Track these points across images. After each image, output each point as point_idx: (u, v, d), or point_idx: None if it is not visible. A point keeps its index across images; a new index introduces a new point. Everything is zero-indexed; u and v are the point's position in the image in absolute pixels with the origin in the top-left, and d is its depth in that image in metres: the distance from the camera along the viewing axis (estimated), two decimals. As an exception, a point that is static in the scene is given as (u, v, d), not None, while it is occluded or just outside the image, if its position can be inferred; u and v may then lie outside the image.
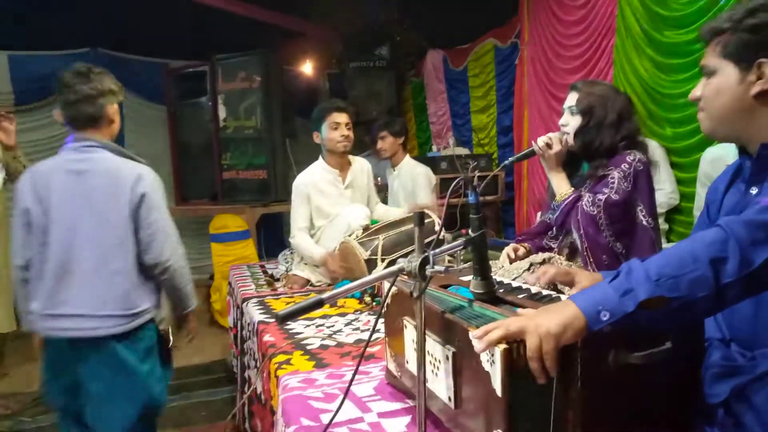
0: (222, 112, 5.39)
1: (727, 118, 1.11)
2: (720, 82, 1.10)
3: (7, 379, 3.88)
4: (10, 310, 3.61)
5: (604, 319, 0.87)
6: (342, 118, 2.79)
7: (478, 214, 1.18)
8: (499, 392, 0.89)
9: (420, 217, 1.11)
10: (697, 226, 1.33)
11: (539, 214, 2.24)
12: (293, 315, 0.96)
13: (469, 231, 1.19)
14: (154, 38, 5.66)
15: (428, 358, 1.12)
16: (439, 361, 1.08)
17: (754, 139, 1.09)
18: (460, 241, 1.19)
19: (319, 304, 0.99)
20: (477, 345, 0.91)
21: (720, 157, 2.76)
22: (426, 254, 1.05)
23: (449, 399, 1.05)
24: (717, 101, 1.11)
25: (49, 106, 5.84)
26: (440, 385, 1.08)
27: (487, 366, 0.92)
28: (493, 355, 0.90)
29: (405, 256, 1.09)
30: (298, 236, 2.79)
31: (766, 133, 1.07)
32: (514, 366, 0.89)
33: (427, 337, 1.12)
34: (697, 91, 1.16)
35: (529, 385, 0.89)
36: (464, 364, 1.00)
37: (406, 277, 1.08)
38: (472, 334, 0.93)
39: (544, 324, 0.88)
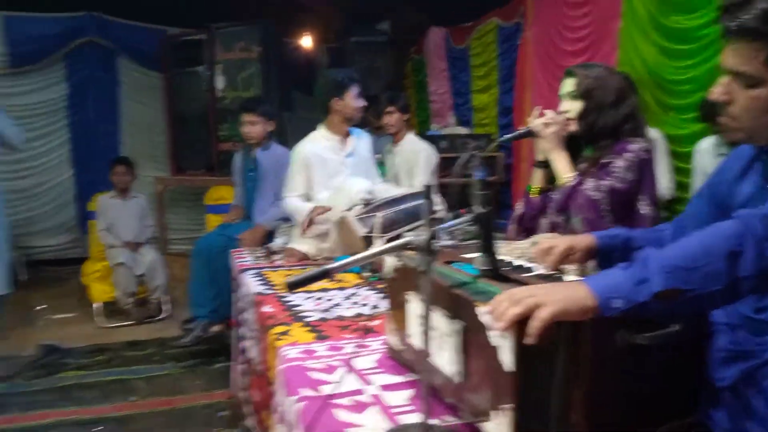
0: (219, 83, 5.32)
1: None
2: None
3: (4, 342, 3.87)
4: (5, 273, 3.59)
5: (616, 305, 0.87)
6: None
7: (486, 190, 1.17)
8: (507, 367, 0.89)
9: (427, 191, 1.10)
10: (694, 201, 1.32)
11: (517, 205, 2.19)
12: (302, 283, 0.96)
13: (469, 210, 1.18)
14: (152, 4, 5.56)
15: (434, 333, 1.12)
16: (446, 336, 1.08)
17: None
18: (467, 216, 1.18)
19: (326, 273, 0.99)
20: (491, 322, 0.90)
21: (710, 148, 2.77)
22: (434, 228, 1.04)
23: (455, 373, 1.05)
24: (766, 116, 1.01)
25: (42, 69, 5.74)
26: (446, 359, 1.08)
27: (495, 341, 0.92)
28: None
29: (398, 237, 1.08)
30: (291, 199, 2.84)
31: None
32: (523, 341, 0.88)
33: (433, 311, 1.12)
34: (723, 95, 1.05)
35: (538, 361, 0.89)
36: (472, 338, 1.00)
37: (410, 252, 1.07)
38: (482, 310, 0.93)
39: (553, 293, 0.89)
